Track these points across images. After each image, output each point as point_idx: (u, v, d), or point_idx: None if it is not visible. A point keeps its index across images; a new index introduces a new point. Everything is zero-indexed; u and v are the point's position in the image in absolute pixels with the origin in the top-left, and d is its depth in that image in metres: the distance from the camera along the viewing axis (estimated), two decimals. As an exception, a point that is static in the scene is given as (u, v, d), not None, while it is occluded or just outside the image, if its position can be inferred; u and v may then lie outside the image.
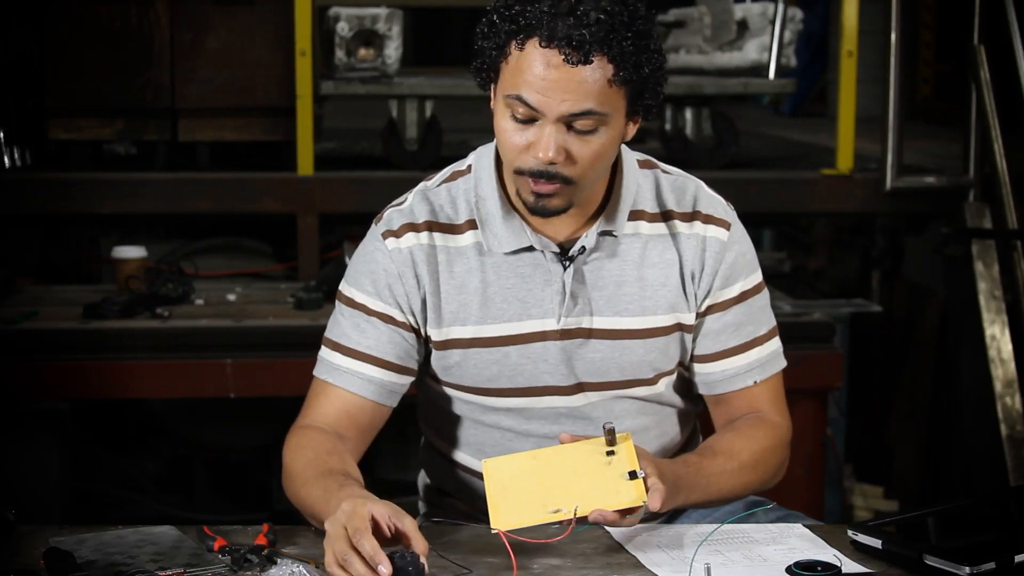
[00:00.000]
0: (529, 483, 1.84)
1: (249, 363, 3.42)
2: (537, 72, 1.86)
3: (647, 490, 1.80)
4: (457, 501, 2.19)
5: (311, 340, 2.23)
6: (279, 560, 1.78)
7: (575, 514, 1.77)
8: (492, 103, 1.97)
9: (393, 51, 4.33)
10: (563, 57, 1.84)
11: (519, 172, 1.93)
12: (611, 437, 1.85)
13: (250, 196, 4.20)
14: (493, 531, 1.79)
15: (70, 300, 3.73)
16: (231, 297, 3.82)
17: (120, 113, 4.39)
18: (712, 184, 2.17)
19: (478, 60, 1.95)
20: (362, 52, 4.33)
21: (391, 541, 1.72)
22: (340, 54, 4.31)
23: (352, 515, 1.71)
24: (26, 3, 4.38)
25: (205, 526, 1.87)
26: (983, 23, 4.03)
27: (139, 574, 1.71)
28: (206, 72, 4.36)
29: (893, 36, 4.08)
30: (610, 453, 1.85)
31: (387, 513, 1.72)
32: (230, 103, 4.37)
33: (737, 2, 5.01)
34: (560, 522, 1.79)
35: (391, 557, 1.69)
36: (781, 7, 4.73)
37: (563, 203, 1.94)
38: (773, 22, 4.75)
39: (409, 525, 1.73)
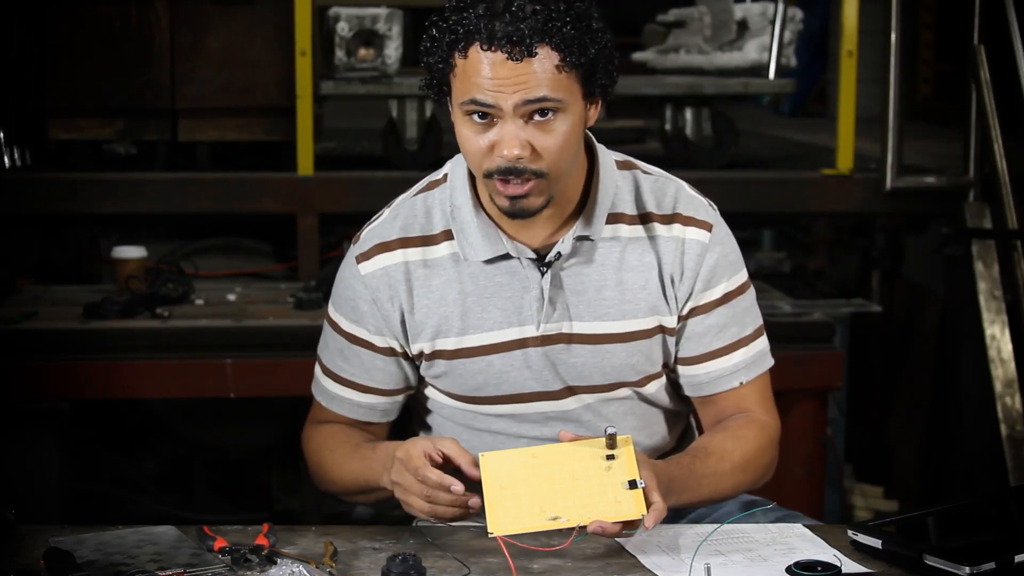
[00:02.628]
0: (528, 485, 1.83)
1: (249, 363, 3.42)
2: (485, 74, 1.86)
3: (648, 504, 1.80)
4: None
5: (311, 340, 2.24)
6: (279, 560, 1.78)
7: (577, 525, 1.76)
8: (452, 116, 1.96)
9: (393, 51, 4.33)
10: (506, 55, 1.85)
11: (488, 175, 1.92)
12: (612, 441, 1.85)
13: (250, 196, 4.20)
14: (491, 535, 1.78)
15: (70, 300, 3.73)
16: (231, 297, 3.82)
17: (120, 113, 4.39)
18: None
19: (427, 77, 1.96)
20: (362, 52, 4.33)
21: (442, 467, 1.87)
22: (340, 54, 4.31)
23: (408, 459, 1.86)
24: (26, 3, 4.38)
25: (205, 526, 1.87)
26: (983, 23, 4.03)
27: (139, 574, 1.71)
28: (206, 72, 4.35)
29: (893, 36, 4.08)
30: (610, 457, 1.85)
31: (429, 445, 1.87)
32: (230, 103, 4.37)
33: (737, 2, 5.01)
34: (560, 529, 1.79)
35: (392, 560, 1.69)
36: (781, 7, 4.73)
37: (540, 201, 1.93)
38: (773, 22, 4.75)
39: (448, 446, 1.86)
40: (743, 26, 4.87)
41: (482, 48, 1.86)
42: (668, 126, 4.72)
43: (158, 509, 3.94)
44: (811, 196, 4.36)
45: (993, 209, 3.99)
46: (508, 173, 1.89)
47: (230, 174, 4.32)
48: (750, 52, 4.79)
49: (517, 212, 1.93)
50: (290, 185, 4.20)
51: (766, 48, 4.77)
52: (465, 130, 1.92)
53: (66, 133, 4.40)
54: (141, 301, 3.58)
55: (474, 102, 1.88)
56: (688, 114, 4.61)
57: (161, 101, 4.36)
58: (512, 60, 1.85)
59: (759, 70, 4.77)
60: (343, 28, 4.29)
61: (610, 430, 1.86)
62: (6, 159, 4.31)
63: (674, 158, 4.58)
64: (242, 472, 4.03)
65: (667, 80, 4.82)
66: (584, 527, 1.78)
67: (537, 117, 1.88)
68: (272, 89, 4.34)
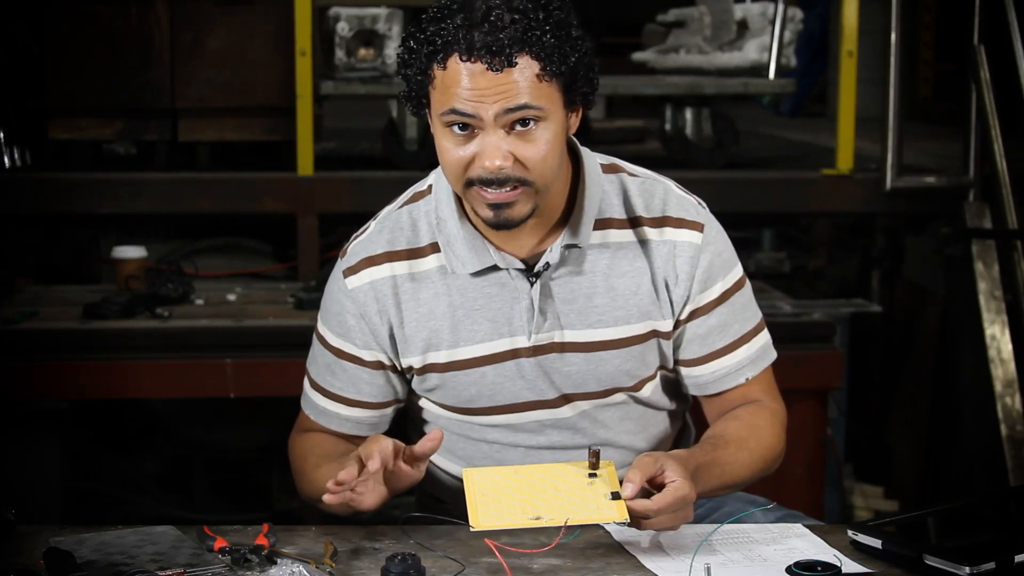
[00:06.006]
0: (511, 493, 1.84)
1: (249, 363, 3.42)
2: (464, 84, 1.83)
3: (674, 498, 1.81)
4: (452, 507, 2.19)
5: (311, 340, 2.23)
6: (279, 560, 1.78)
7: (565, 523, 1.76)
8: (432, 128, 1.94)
9: (393, 51, 4.33)
10: (486, 65, 1.82)
11: (469, 183, 1.89)
12: (595, 460, 1.86)
13: (250, 196, 4.20)
14: (472, 530, 1.78)
15: (70, 300, 3.73)
16: (231, 297, 3.82)
17: (120, 113, 4.39)
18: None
19: (406, 89, 1.93)
20: (362, 52, 4.33)
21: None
22: (340, 54, 4.31)
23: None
24: (27, 3, 4.38)
25: (205, 526, 1.87)
26: (983, 23, 4.03)
27: (139, 574, 1.71)
28: (206, 72, 4.36)
29: (893, 36, 4.08)
30: (592, 475, 1.86)
31: (362, 458, 1.83)
32: (230, 103, 4.38)
33: (737, 2, 5.01)
34: (547, 528, 1.79)
35: (391, 560, 1.69)
36: (781, 7, 4.73)
37: (526, 210, 1.90)
38: (773, 22, 4.75)
39: (371, 448, 1.83)
40: (743, 26, 4.88)
41: (461, 59, 1.83)
42: (668, 126, 4.72)
43: (158, 509, 3.94)
44: (811, 196, 4.37)
45: (993, 209, 3.99)
46: (490, 184, 1.87)
47: (230, 174, 4.33)
48: (750, 52, 4.79)
49: (501, 223, 1.90)
50: (290, 185, 4.20)
51: (766, 48, 4.77)
52: (445, 142, 1.89)
53: (66, 133, 4.41)
54: (141, 301, 3.58)
55: (454, 112, 1.85)
56: (688, 114, 4.62)
57: (161, 101, 4.36)
58: (492, 71, 1.82)
59: (759, 70, 4.77)
60: (343, 28, 4.29)
61: (594, 448, 1.87)
62: (6, 159, 4.32)
63: (674, 158, 4.59)
64: (242, 472, 4.03)
65: (667, 80, 4.82)
66: (572, 530, 1.77)
67: (519, 127, 1.85)
68: (272, 89, 4.34)
